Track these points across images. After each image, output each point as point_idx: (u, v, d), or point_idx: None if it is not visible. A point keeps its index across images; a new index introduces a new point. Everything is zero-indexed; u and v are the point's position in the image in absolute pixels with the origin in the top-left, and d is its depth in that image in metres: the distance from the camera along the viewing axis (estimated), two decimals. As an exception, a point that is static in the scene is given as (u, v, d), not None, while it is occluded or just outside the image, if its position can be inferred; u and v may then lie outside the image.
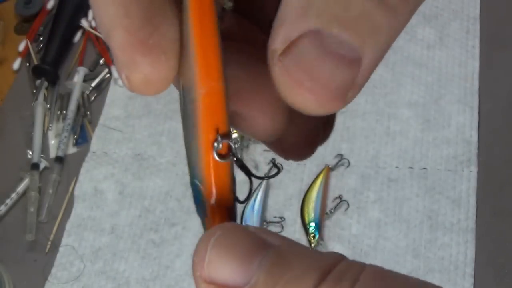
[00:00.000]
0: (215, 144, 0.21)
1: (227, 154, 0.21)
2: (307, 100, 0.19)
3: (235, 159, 0.22)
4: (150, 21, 0.20)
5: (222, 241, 0.20)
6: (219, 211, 0.22)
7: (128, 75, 0.20)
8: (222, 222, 0.22)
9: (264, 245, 0.19)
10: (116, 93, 0.91)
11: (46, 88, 0.93)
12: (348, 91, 0.19)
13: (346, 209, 0.76)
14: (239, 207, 0.82)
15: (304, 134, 0.25)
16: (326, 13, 0.18)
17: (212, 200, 0.22)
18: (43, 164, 0.86)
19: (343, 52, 0.18)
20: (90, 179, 0.84)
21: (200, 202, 0.22)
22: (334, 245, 0.74)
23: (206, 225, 0.22)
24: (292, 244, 0.20)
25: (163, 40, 0.20)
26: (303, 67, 0.18)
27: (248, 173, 0.23)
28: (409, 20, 0.19)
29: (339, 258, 0.19)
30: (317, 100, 0.19)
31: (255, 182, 0.26)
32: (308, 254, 0.19)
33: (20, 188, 0.85)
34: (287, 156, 0.26)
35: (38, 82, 0.93)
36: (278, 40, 0.19)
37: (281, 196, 0.78)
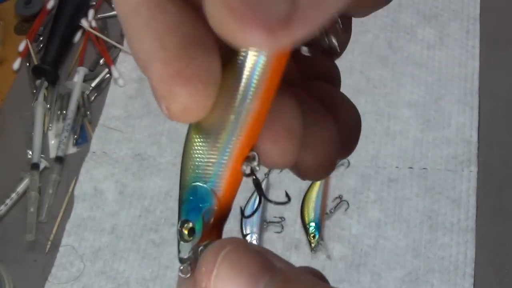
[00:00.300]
0: (247, 161, 0.22)
1: (250, 172, 0.22)
2: (233, 33, 0.17)
3: (254, 177, 0.23)
4: (186, 52, 0.20)
5: (232, 257, 0.20)
6: (220, 220, 0.23)
7: (168, 105, 0.21)
8: (219, 231, 0.23)
9: (271, 267, 0.20)
10: (116, 93, 0.91)
11: (46, 88, 0.93)
12: (278, 27, 0.17)
13: (346, 209, 0.76)
14: (239, 207, 0.82)
15: (320, 157, 0.25)
16: None
17: (222, 209, 0.23)
18: (43, 164, 0.86)
19: None
20: (90, 179, 0.84)
21: (199, 207, 0.23)
22: (334, 245, 0.74)
23: (201, 231, 0.23)
24: (294, 269, 0.20)
25: (200, 69, 0.20)
26: None
27: (261, 194, 0.24)
28: None
29: None
30: (234, 19, 0.17)
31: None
32: (310, 283, 0.20)
33: (20, 188, 0.85)
34: (303, 178, 0.26)
35: (38, 82, 0.93)
36: None
37: (281, 196, 0.78)
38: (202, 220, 0.23)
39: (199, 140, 0.23)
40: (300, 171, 0.25)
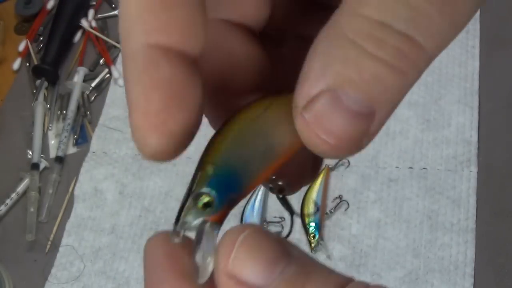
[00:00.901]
0: (272, 183, 0.25)
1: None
2: (325, 149, 0.22)
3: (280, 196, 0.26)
4: (166, 109, 0.22)
5: (251, 241, 0.21)
6: (228, 211, 0.24)
7: (141, 149, 0.23)
8: (222, 220, 0.23)
9: (288, 254, 0.21)
10: (116, 93, 0.91)
11: (46, 88, 0.93)
12: (362, 140, 0.22)
13: (346, 209, 0.76)
14: (240, 207, 0.82)
15: (299, 172, 0.28)
16: (342, 75, 0.21)
17: (237, 203, 0.24)
18: (43, 164, 0.86)
19: (358, 108, 0.21)
20: (90, 179, 0.84)
21: (230, 187, 0.23)
22: (334, 245, 0.74)
23: (220, 210, 0.23)
24: (311, 258, 0.21)
25: (176, 127, 0.22)
26: (320, 122, 0.21)
27: (288, 207, 0.27)
28: (418, 78, 0.22)
29: (351, 279, 0.21)
30: (333, 149, 0.22)
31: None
32: (326, 271, 0.21)
33: (20, 188, 0.85)
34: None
35: (38, 82, 0.93)
36: (300, 96, 0.22)
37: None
38: (226, 201, 0.23)
39: (254, 134, 0.24)
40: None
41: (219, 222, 0.23)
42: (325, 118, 0.21)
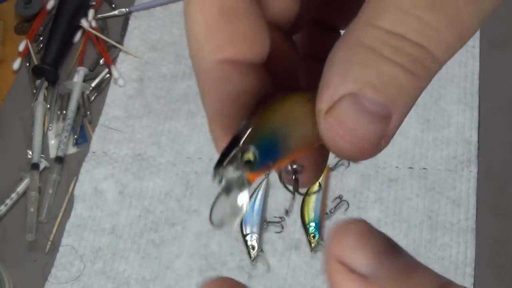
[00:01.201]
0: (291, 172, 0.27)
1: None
2: (348, 151, 0.23)
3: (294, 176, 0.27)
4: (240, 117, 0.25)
5: (362, 232, 0.22)
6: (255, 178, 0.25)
7: (218, 151, 0.25)
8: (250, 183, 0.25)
9: (394, 249, 0.22)
10: (116, 93, 0.91)
11: (46, 88, 0.93)
12: (381, 141, 0.23)
13: (346, 209, 0.76)
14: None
15: (311, 175, 0.29)
16: (362, 79, 0.22)
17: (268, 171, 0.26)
18: (43, 164, 0.86)
19: (376, 109, 0.23)
20: (90, 179, 0.84)
21: (275, 152, 0.25)
22: (334, 245, 0.74)
23: (259, 170, 0.24)
24: (414, 257, 0.22)
25: None
26: (343, 124, 0.23)
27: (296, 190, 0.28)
28: (429, 82, 0.24)
29: (451, 281, 0.22)
30: (356, 150, 0.23)
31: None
32: (428, 270, 0.22)
33: (20, 188, 0.85)
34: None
35: (38, 82, 0.93)
36: (323, 101, 0.23)
37: (281, 196, 0.78)
38: (263, 165, 0.24)
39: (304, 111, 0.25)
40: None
41: (252, 181, 0.24)
42: (347, 120, 0.23)
